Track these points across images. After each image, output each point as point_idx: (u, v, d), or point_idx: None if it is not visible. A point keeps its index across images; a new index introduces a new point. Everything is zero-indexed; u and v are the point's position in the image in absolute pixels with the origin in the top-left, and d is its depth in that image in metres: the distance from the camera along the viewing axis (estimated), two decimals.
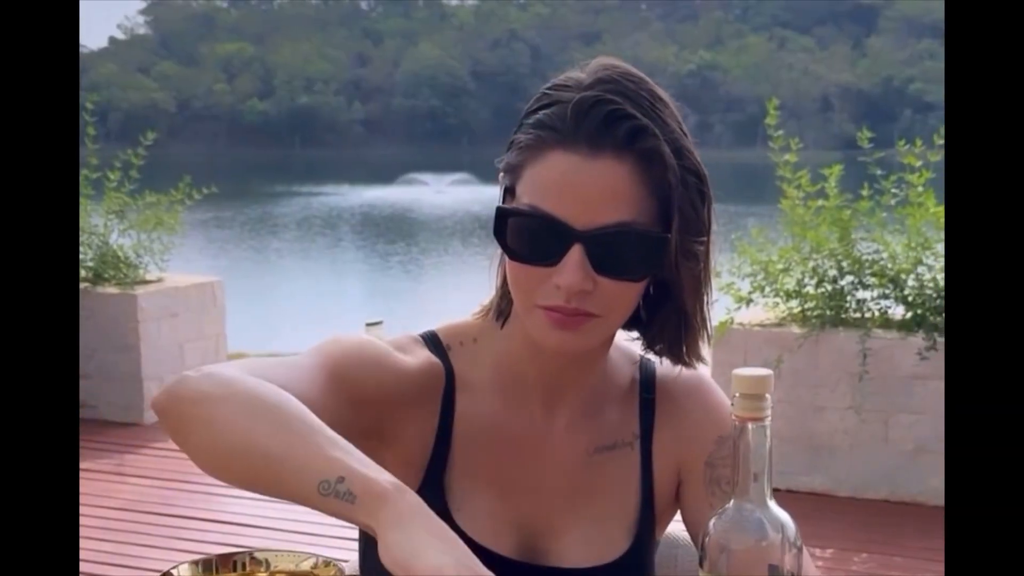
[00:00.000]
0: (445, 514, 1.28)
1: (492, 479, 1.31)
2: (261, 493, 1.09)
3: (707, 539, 1.01)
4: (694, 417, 1.34)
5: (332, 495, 1.01)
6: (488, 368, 1.32)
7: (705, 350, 1.32)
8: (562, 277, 1.16)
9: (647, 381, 1.36)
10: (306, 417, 1.08)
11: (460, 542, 1.00)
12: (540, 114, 1.19)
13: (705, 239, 1.22)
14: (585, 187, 1.15)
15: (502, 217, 1.20)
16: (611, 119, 1.15)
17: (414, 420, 1.30)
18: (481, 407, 1.32)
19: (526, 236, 1.19)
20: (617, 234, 1.16)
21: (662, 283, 1.24)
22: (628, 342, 1.35)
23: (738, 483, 1.00)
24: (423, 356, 1.32)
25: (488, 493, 1.30)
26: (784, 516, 1.00)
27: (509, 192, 1.22)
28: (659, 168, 1.16)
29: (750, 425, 0.99)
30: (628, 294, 1.20)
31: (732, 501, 1.00)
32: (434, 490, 1.28)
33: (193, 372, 1.13)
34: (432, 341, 1.34)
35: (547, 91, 1.21)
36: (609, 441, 1.33)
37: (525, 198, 1.19)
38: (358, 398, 1.25)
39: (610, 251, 1.16)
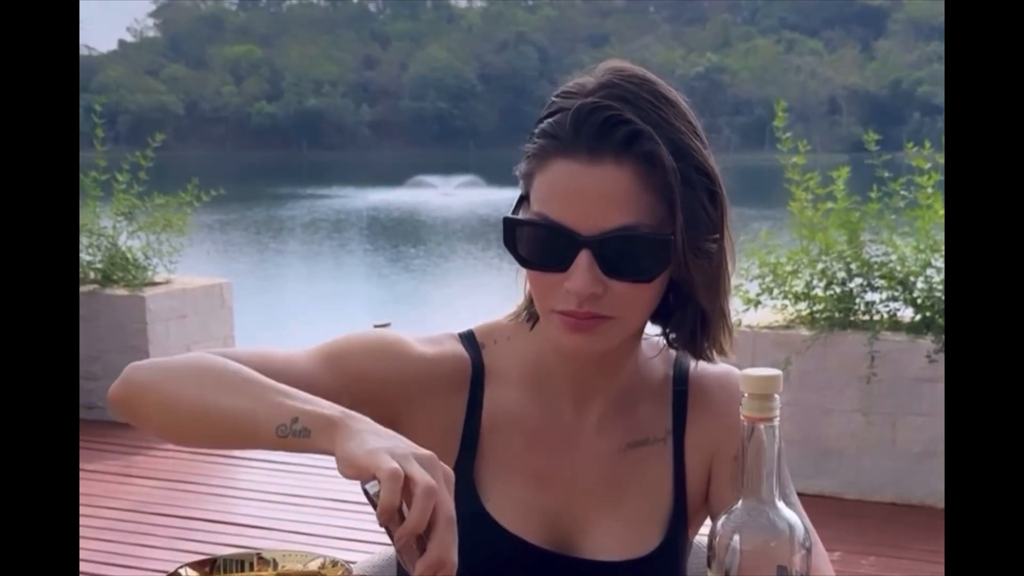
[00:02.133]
0: (475, 503, 1.30)
1: (522, 470, 1.32)
2: (224, 448, 1.22)
3: (716, 539, 1.01)
4: (725, 412, 1.34)
5: (289, 435, 1.11)
6: (520, 364, 1.35)
7: (728, 344, 1.31)
8: (571, 283, 1.19)
9: (680, 377, 1.37)
10: (253, 376, 1.18)
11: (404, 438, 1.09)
12: (545, 123, 1.22)
13: (717, 236, 1.23)
14: (588, 193, 1.18)
15: (510, 227, 1.23)
16: (608, 125, 1.17)
17: (437, 409, 1.33)
18: (511, 400, 1.34)
19: (535, 244, 1.22)
20: (622, 237, 1.18)
21: (678, 280, 1.25)
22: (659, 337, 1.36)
23: (747, 483, 0.99)
24: (450, 348, 1.35)
25: (518, 484, 1.32)
26: (793, 517, 1.00)
27: (525, 199, 1.25)
28: (659, 170, 1.18)
29: (759, 425, 0.98)
30: (641, 295, 1.22)
31: (741, 501, 1.00)
32: (464, 479, 1.29)
33: (140, 362, 1.24)
34: (468, 339, 1.38)
35: (555, 98, 1.24)
36: (640, 436, 1.34)
37: (535, 206, 1.22)
38: (368, 389, 1.29)
39: (617, 254, 1.18)
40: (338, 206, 34.37)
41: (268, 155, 71.41)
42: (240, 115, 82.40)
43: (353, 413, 1.12)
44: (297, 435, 1.11)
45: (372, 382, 1.30)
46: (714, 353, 1.31)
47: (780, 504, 1.00)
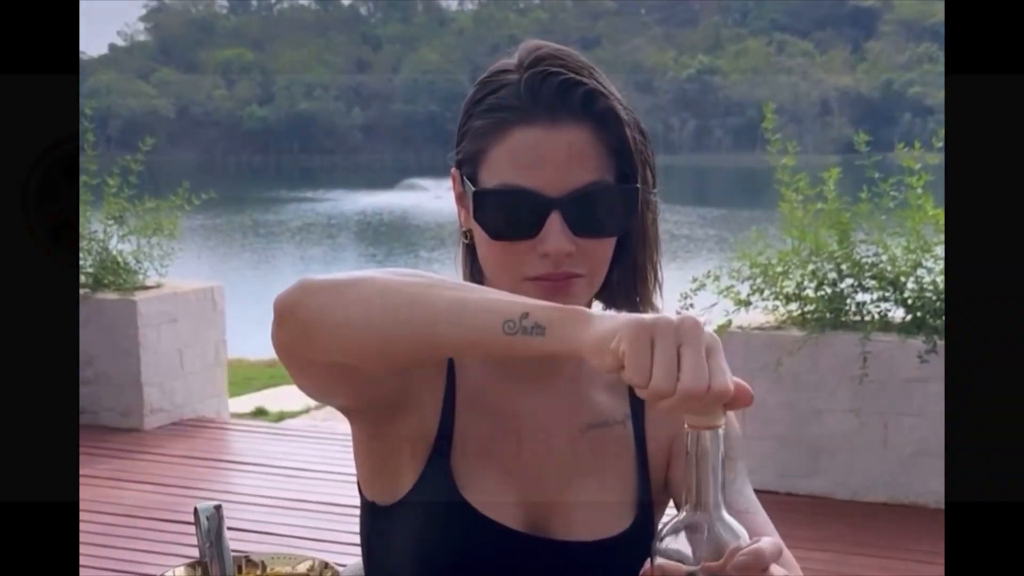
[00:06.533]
0: (452, 491, 1.30)
1: (494, 454, 1.33)
2: (429, 353, 1.11)
3: (657, 543, 0.99)
4: None
5: (519, 332, 1.01)
6: None
7: (657, 299, 1.35)
8: (547, 245, 1.21)
9: None
10: (455, 279, 1.11)
11: None
12: (490, 99, 1.24)
13: (656, 191, 1.29)
14: (552, 155, 1.21)
15: (480, 199, 1.24)
16: (564, 87, 1.21)
17: (429, 388, 1.32)
18: (478, 383, 1.34)
19: (503, 214, 1.23)
20: (589, 194, 1.21)
21: (621, 236, 1.28)
22: None
23: (691, 491, 0.97)
24: None
25: (492, 469, 1.32)
26: (736, 525, 0.98)
27: (470, 181, 1.26)
28: (617, 127, 1.22)
29: (704, 433, 0.96)
30: (607, 251, 1.26)
31: (684, 509, 0.98)
32: (442, 467, 1.30)
33: (316, 281, 1.12)
34: None
35: (487, 79, 1.27)
36: (600, 419, 1.36)
37: (492, 181, 1.23)
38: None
39: (585, 211, 1.22)
40: (330, 209, 34.30)
41: (260, 158, 71.24)
42: (232, 118, 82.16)
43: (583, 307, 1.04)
44: (528, 332, 1.00)
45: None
46: (648, 309, 1.33)
47: (724, 513, 0.97)
